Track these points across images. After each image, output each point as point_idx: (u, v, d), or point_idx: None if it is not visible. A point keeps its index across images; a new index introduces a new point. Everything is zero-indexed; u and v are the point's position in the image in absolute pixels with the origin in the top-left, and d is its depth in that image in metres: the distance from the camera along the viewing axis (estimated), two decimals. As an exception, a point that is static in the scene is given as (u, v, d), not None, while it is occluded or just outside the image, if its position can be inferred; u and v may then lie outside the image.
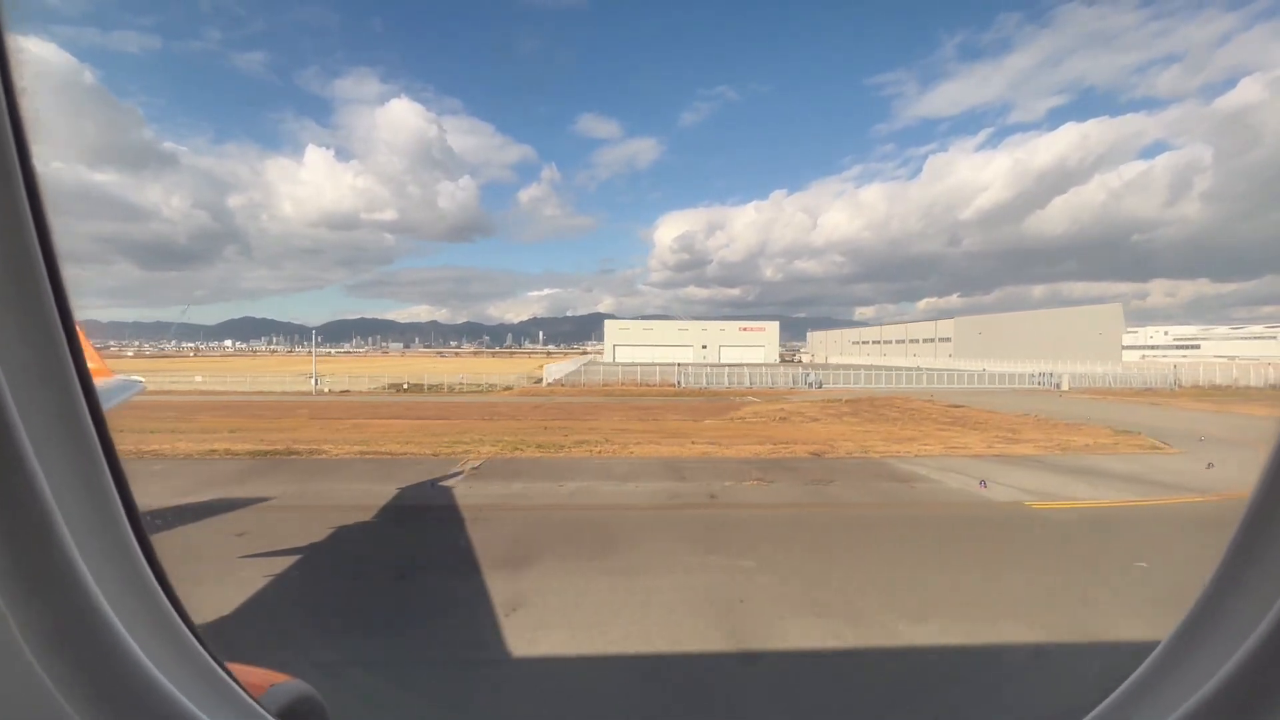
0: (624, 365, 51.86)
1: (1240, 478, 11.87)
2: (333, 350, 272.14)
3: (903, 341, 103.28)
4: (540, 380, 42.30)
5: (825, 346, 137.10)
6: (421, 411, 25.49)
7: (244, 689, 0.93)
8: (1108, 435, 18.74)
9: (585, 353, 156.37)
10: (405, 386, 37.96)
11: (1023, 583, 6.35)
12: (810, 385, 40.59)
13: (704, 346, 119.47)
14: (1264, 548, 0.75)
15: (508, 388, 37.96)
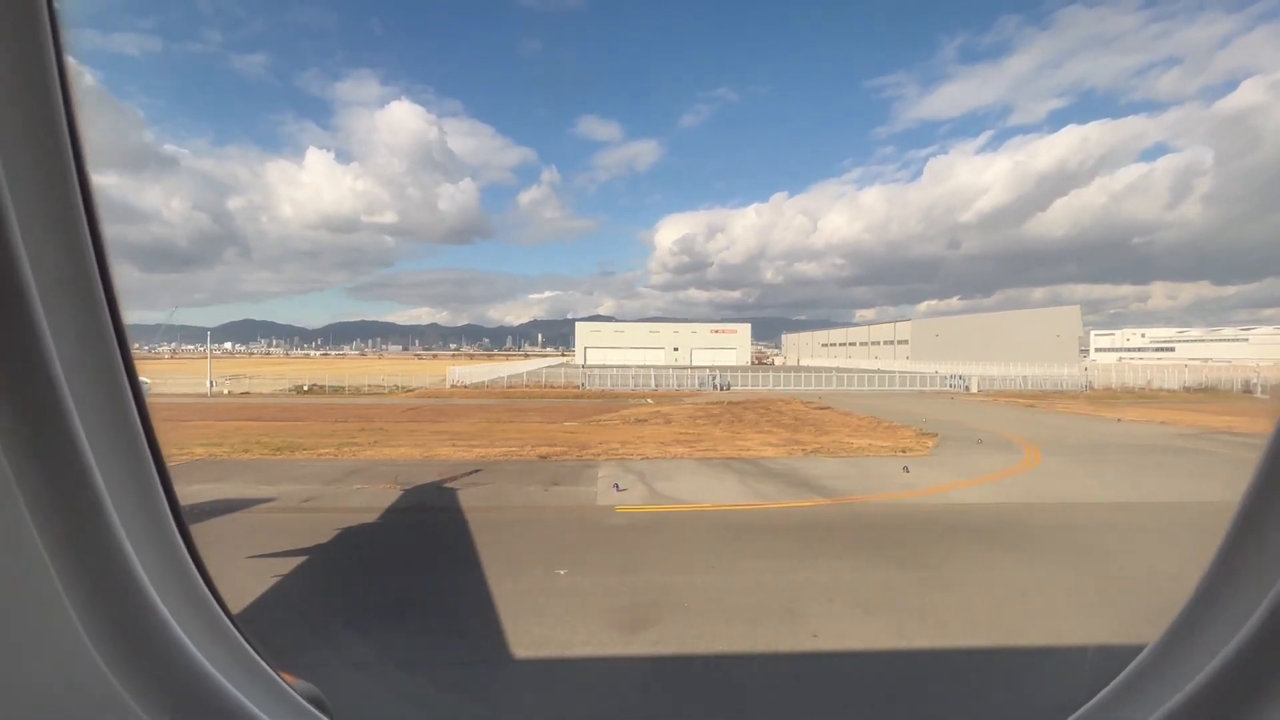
0: (598, 367, 52.02)
1: (922, 480, 11.73)
2: (313, 353, 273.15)
3: (865, 344, 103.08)
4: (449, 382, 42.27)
5: (798, 348, 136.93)
6: (279, 413, 25.56)
7: (285, 682, 0.95)
8: (907, 437, 18.57)
9: (565, 355, 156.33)
10: (305, 389, 38.03)
11: (384, 584, 6.20)
12: (716, 387, 40.48)
13: (675, 349, 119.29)
14: (1252, 550, 0.76)
15: (410, 390, 37.98)
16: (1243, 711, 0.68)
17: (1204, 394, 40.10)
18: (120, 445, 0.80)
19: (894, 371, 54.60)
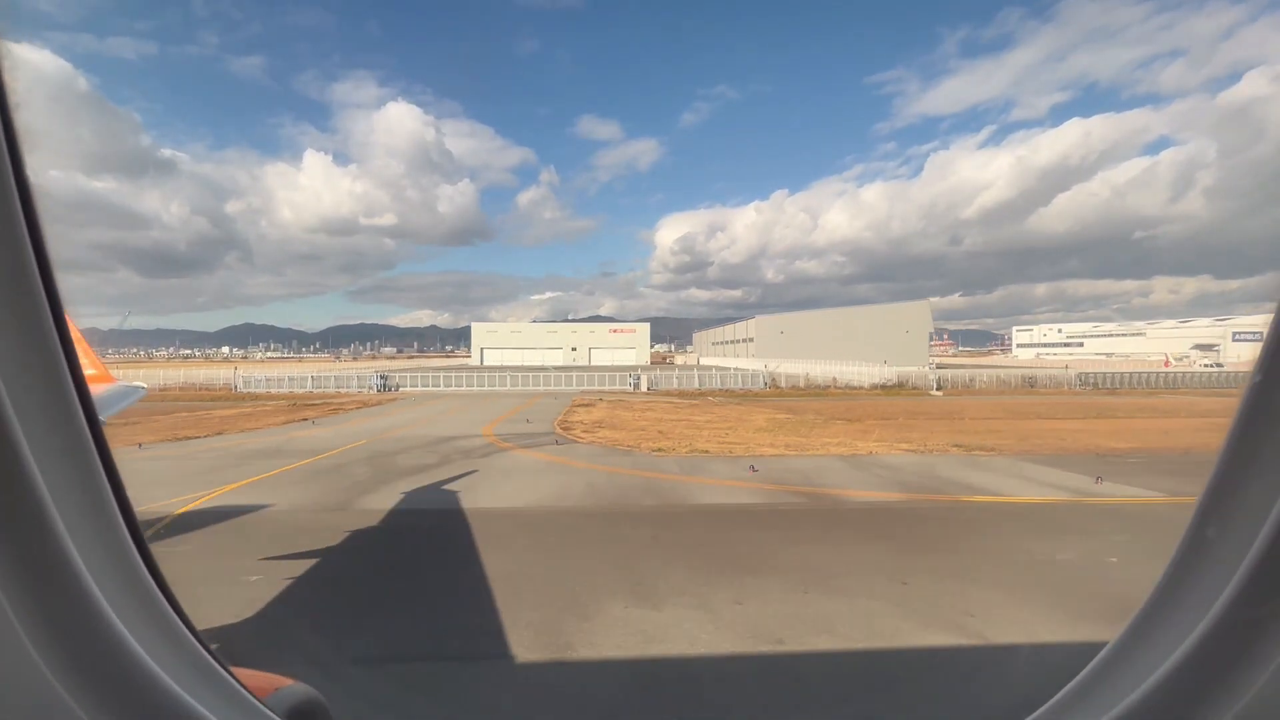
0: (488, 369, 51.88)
1: None
2: (310, 356, 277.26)
3: (732, 342, 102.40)
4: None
5: (701, 346, 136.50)
6: None
7: (246, 689, 0.95)
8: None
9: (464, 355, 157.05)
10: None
11: None
12: (373, 388, 40.67)
13: (573, 349, 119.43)
14: (1207, 551, 0.78)
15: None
16: (1198, 709, 0.69)
17: (880, 391, 39.65)
18: (65, 449, 0.77)
19: (721, 368, 54.13)
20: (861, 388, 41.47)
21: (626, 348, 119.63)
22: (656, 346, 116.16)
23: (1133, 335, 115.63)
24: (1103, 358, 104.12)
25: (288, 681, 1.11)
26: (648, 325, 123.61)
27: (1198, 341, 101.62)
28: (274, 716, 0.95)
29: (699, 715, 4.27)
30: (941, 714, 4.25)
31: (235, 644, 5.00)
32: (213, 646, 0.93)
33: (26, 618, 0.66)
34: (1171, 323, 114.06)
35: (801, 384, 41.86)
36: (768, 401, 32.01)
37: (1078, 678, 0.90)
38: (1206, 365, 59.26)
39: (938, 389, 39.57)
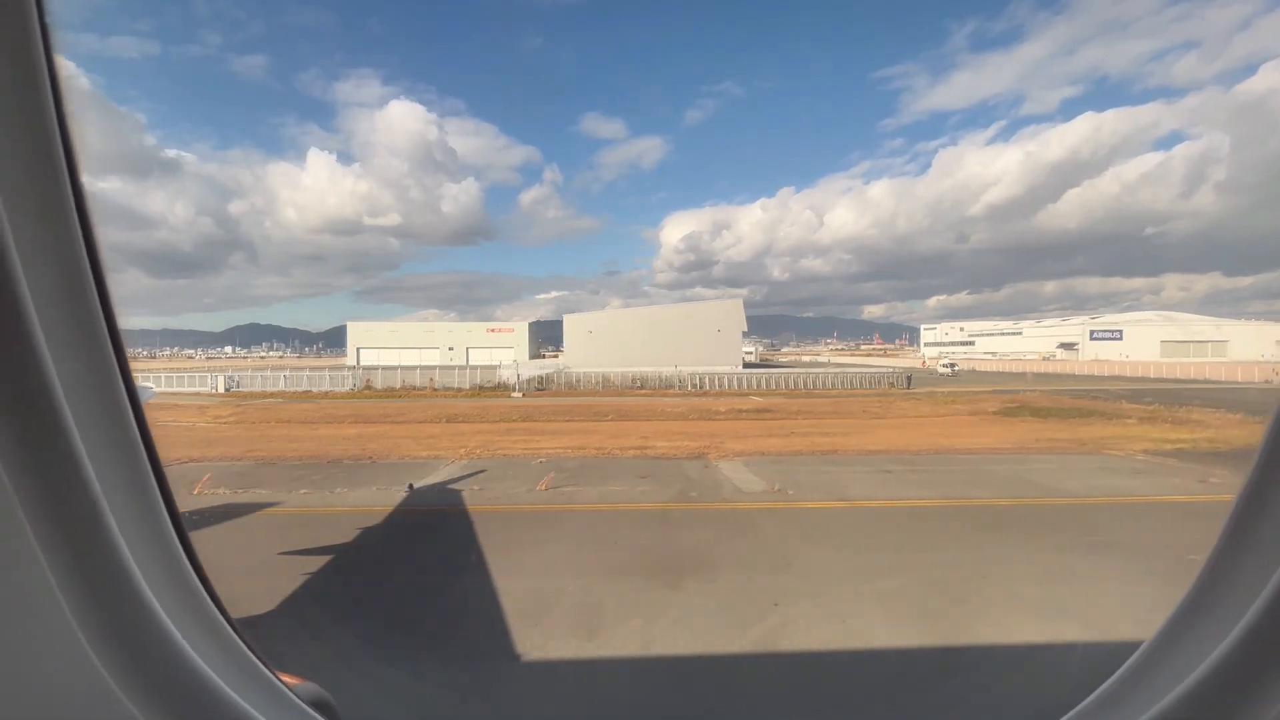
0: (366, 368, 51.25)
1: None
2: (314, 356, 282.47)
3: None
4: None
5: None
6: None
7: (284, 684, 0.98)
8: None
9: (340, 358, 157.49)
10: None
11: None
12: None
13: (450, 348, 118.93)
14: (1248, 545, 0.77)
15: None
16: (1238, 709, 0.68)
17: (470, 393, 38.33)
18: (117, 451, 0.80)
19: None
20: (461, 389, 40.19)
21: (504, 347, 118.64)
22: (453, 347, 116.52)
23: (1011, 334, 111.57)
24: (990, 356, 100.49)
25: (296, 680, 1.10)
26: (526, 325, 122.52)
27: (1062, 340, 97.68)
28: (314, 714, 0.95)
29: (699, 715, 4.26)
30: (975, 713, 4.11)
31: None
32: (251, 641, 0.95)
33: (84, 618, 0.68)
34: (1053, 321, 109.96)
35: (398, 385, 40.71)
36: (327, 403, 30.77)
37: (1111, 679, 0.86)
38: (943, 367, 56.74)
39: (518, 391, 38.12)
